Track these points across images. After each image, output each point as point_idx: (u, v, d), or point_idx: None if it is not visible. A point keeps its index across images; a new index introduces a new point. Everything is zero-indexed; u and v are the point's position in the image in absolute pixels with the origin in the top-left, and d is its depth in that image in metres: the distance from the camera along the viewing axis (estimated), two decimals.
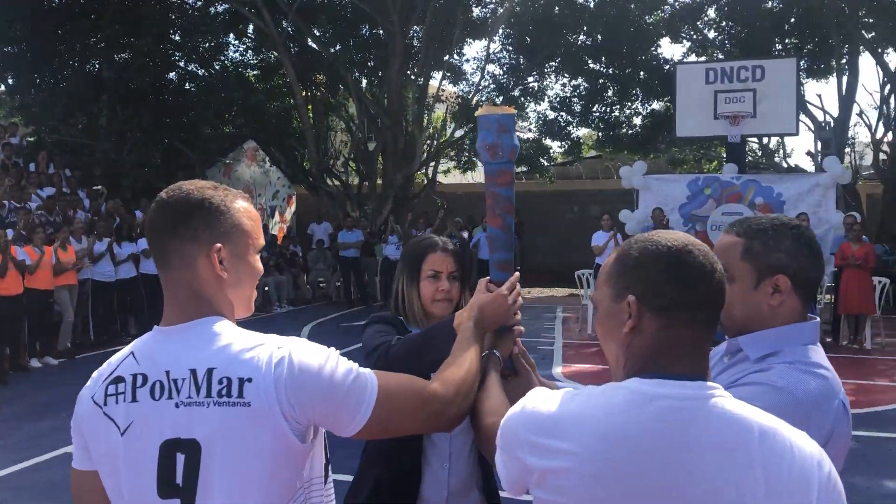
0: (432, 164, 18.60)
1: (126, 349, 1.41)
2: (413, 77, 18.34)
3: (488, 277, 1.81)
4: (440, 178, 19.31)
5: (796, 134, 12.79)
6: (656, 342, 1.17)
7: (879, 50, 15.71)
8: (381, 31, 17.51)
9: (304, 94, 17.04)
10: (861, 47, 15.57)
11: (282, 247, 16.11)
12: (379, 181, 17.94)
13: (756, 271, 1.53)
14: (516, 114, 1.85)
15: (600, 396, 1.15)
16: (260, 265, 1.48)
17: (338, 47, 18.16)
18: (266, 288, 14.00)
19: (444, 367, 1.56)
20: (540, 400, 1.20)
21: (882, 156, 15.99)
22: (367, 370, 1.41)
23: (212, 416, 1.29)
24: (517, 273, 1.81)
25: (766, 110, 11.70)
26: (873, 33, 15.43)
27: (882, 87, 15.95)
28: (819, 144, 15.75)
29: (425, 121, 18.43)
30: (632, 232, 11.03)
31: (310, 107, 17.60)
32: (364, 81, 19.03)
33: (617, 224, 11.67)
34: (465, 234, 14.89)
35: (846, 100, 15.65)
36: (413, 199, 17.95)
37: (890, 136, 15.74)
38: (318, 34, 17.48)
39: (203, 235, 1.37)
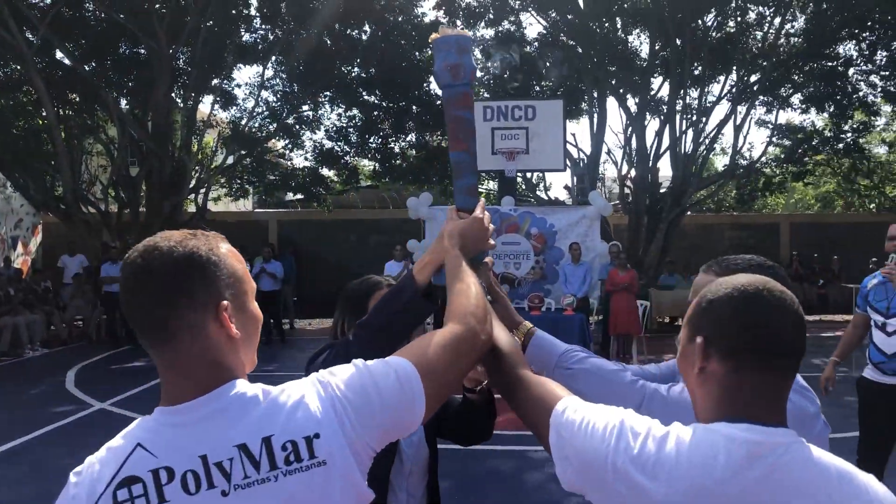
0: (202, 191, 17.65)
1: (123, 442, 1.15)
2: (181, 100, 17.34)
3: (454, 206, 1.74)
4: (210, 205, 18.37)
5: (563, 170, 13.90)
6: (726, 385, 1.19)
7: (623, 94, 17.62)
8: (144, 50, 16.39)
9: (57, 112, 15.37)
10: (607, 91, 17.33)
11: (30, 281, 14.36)
12: (143, 209, 16.66)
13: None
14: None
15: (693, 440, 1.15)
16: (259, 310, 1.32)
17: (93, 64, 16.70)
18: (15, 328, 12.34)
19: (450, 303, 1.48)
20: (632, 429, 1.20)
21: (626, 190, 17.86)
22: (395, 358, 1.30)
23: (281, 490, 1.12)
24: (482, 199, 1.75)
25: (538, 147, 12.60)
26: (614, 80, 17.28)
27: (625, 128, 17.88)
28: (575, 179, 17.21)
29: (195, 146, 17.48)
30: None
31: (62, 127, 15.92)
32: (124, 102, 17.63)
33: (407, 254, 11.88)
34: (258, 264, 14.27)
35: (597, 139, 17.30)
36: (181, 228, 16.87)
37: (633, 172, 17.65)
38: (71, 49, 15.92)
39: (204, 297, 1.19)
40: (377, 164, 19.86)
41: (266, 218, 20.63)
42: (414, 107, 18.96)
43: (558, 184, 58.63)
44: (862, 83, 18.72)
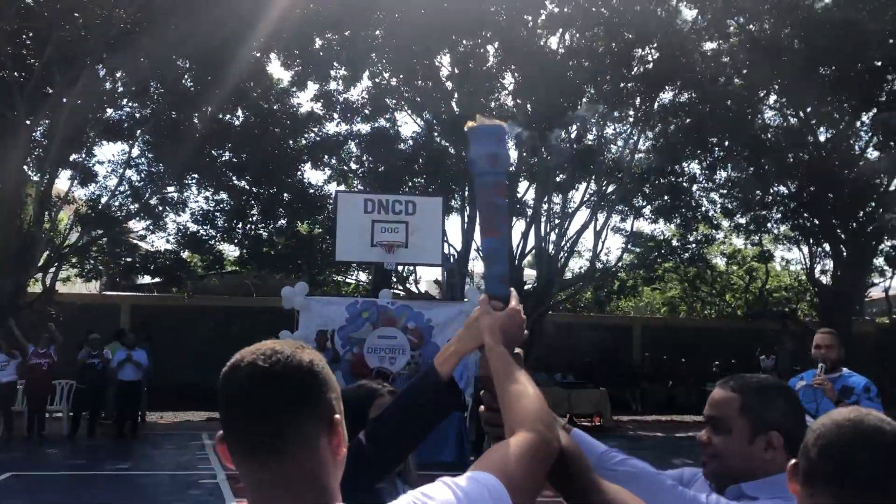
0: (52, 270, 16.42)
1: None
2: (36, 174, 16.30)
3: (485, 295, 1.66)
4: (59, 285, 17.10)
5: (441, 265, 14.13)
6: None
7: None
8: None
9: None
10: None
11: None
12: None
13: (752, 427, 1.65)
14: None
15: None
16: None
17: None
18: None
19: (510, 408, 1.40)
20: None
21: None
22: (482, 474, 1.23)
23: None
24: (513, 289, 1.70)
25: (417, 242, 12.73)
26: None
27: None
28: (445, 274, 17.51)
29: (48, 223, 16.34)
30: None
31: None
32: None
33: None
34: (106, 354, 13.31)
35: (467, 236, 17.79)
36: (24, 310, 15.55)
37: None
38: None
39: (321, 409, 1.11)
40: (244, 251, 19.33)
41: (118, 302, 19.42)
42: (285, 194, 18.78)
43: (427, 277, 59.22)
44: (704, 199, 20.58)
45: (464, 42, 17.89)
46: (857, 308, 19.88)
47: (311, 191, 19.06)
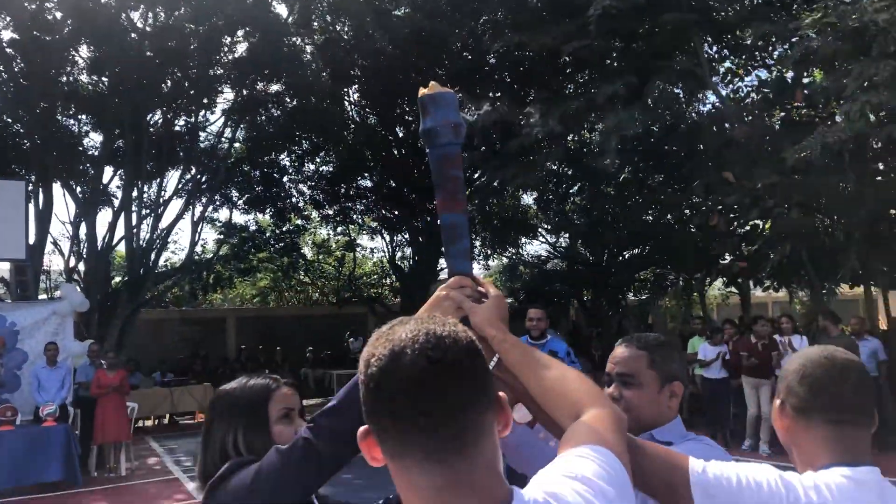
0: None
1: None
2: None
3: (460, 274, 1.57)
4: None
5: (26, 259, 12.04)
6: (807, 437, 1.42)
7: (71, 183, 16.30)
8: None
9: None
10: (54, 178, 15.81)
11: None
12: None
13: (660, 379, 1.82)
14: None
15: (833, 482, 1.34)
16: None
17: None
18: None
19: (564, 391, 1.29)
20: (789, 482, 1.34)
21: (77, 284, 16.35)
22: (598, 447, 1.12)
23: None
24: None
25: None
26: (60, 166, 15.89)
27: (74, 218, 16.52)
28: (13, 270, 15.06)
29: None
30: None
31: None
32: None
33: None
34: None
35: (41, 227, 15.51)
36: None
37: (82, 265, 16.33)
38: None
39: (492, 391, 0.99)
40: None
41: None
42: None
43: None
44: (293, 190, 21.11)
45: (25, 4, 15.50)
46: (432, 290, 22.33)
47: None
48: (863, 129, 10.03)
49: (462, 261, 1.59)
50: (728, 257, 12.70)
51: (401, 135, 20.13)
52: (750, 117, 14.00)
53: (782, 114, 13.94)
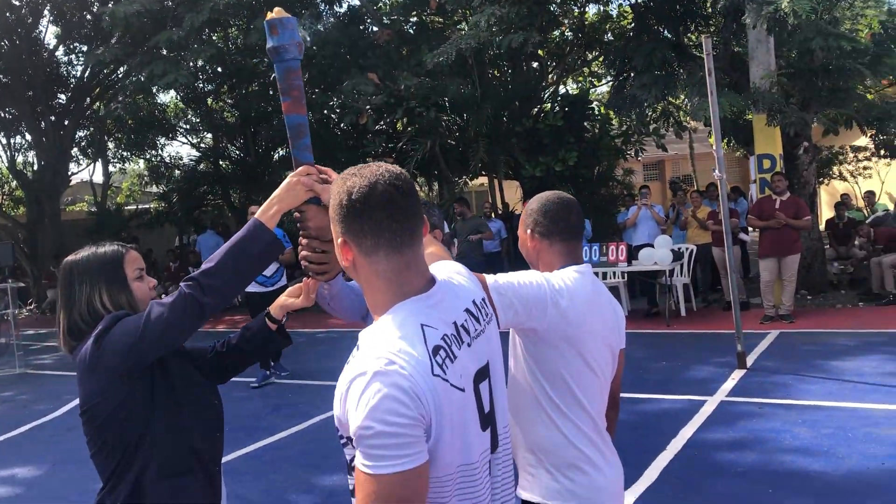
0: None
1: (409, 327, 1.36)
2: None
3: (307, 164, 1.93)
4: None
5: None
6: (550, 251, 2.19)
7: None
8: None
9: None
10: None
11: None
12: None
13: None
14: None
15: (569, 276, 2.10)
16: None
17: None
18: None
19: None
20: (549, 279, 2.08)
21: None
22: (450, 261, 1.76)
23: (489, 336, 1.56)
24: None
25: None
26: None
27: None
28: None
29: None
30: None
31: None
32: None
33: None
34: None
35: None
36: None
37: None
38: None
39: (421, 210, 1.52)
40: None
41: None
42: None
43: None
44: None
45: None
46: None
47: None
48: (486, 38, 11.61)
49: (306, 153, 1.95)
50: (378, 153, 13.72)
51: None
52: (388, 21, 15.10)
53: (418, 20, 15.19)
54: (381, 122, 13.49)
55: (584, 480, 2.04)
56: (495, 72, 15.31)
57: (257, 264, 1.87)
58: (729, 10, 10.09)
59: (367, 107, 13.46)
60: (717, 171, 6.99)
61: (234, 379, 2.34)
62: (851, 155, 18.07)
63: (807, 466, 4.60)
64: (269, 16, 1.92)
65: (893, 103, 11.14)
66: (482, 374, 1.46)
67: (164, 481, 1.93)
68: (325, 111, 15.38)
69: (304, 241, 1.90)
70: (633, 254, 10.40)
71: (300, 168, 1.91)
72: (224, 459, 2.22)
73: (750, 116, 10.67)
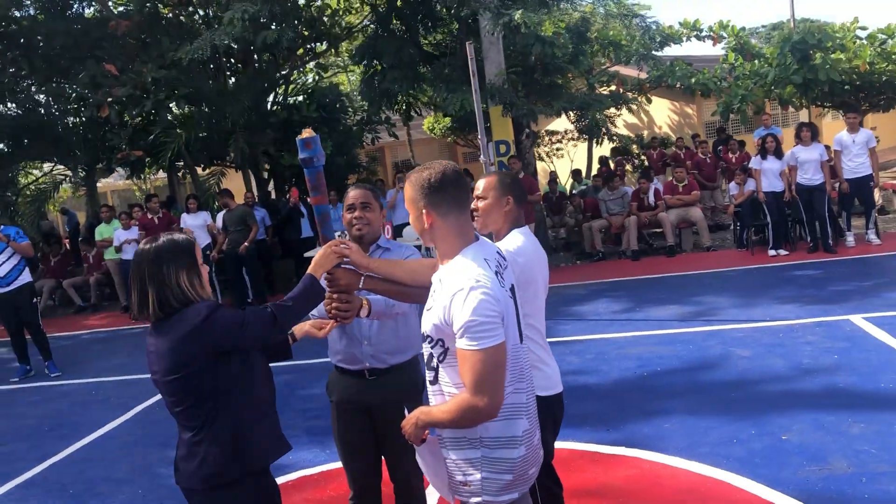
0: None
1: (479, 260, 2.19)
2: None
3: (334, 238, 2.77)
4: None
5: None
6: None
7: None
8: None
9: None
10: None
11: None
12: None
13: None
14: None
15: (518, 240, 2.98)
16: None
17: None
18: None
19: (412, 266, 2.75)
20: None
21: None
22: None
23: (508, 270, 2.41)
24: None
25: None
26: None
27: None
28: None
29: None
30: None
31: None
32: None
33: None
34: None
35: None
36: None
37: None
38: None
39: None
40: None
41: None
42: None
43: None
44: None
45: None
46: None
47: None
48: (240, 34, 11.91)
49: (331, 232, 2.78)
50: (123, 147, 13.25)
51: None
52: (118, 11, 14.56)
53: (152, 12, 14.76)
54: (126, 116, 13.02)
55: (540, 375, 2.90)
56: (243, 66, 15.35)
57: (308, 310, 2.67)
58: (466, 16, 11.57)
59: (109, 99, 12.94)
60: (482, 156, 8.34)
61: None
62: (547, 138, 20.90)
63: (584, 382, 6.05)
64: (304, 135, 2.76)
65: (592, 95, 13.54)
66: (511, 290, 2.34)
67: (251, 414, 2.50)
68: (57, 105, 14.43)
69: (334, 294, 2.71)
70: (398, 231, 11.54)
71: (330, 241, 2.71)
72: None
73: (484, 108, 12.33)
